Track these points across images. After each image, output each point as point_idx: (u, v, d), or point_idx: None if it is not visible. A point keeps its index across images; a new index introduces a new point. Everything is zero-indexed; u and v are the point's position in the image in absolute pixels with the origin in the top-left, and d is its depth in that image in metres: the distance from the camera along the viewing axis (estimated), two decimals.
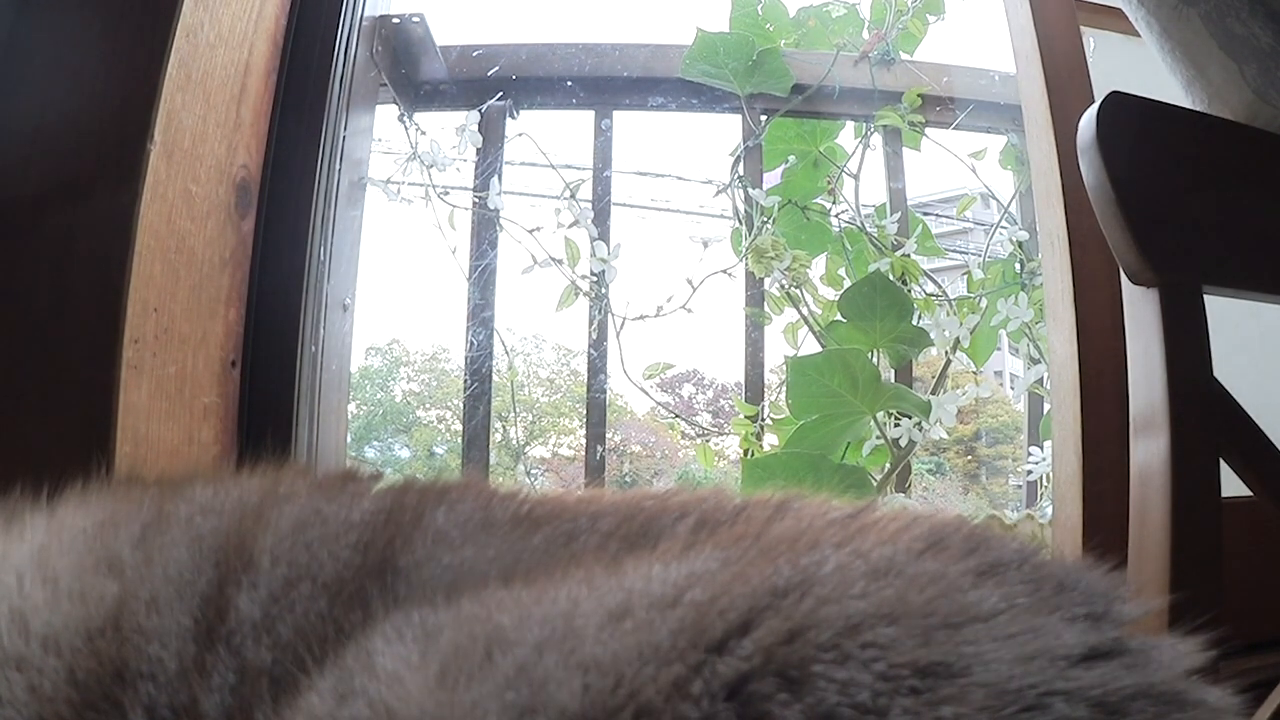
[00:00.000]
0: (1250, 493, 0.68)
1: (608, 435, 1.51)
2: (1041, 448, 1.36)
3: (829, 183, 1.50)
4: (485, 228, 1.44)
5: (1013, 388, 1.77)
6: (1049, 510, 1.29)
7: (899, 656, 0.24)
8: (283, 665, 0.30)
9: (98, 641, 0.32)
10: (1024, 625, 0.27)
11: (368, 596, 0.33)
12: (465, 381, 1.45)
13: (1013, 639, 0.26)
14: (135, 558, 0.35)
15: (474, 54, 1.49)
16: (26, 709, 0.31)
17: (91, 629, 0.33)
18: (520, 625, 0.27)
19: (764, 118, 1.50)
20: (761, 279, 1.44)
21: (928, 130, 1.51)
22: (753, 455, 1.41)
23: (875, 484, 1.36)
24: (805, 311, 1.45)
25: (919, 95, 1.48)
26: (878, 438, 1.37)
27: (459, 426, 1.57)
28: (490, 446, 1.48)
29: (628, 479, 1.70)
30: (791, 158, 1.50)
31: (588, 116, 1.51)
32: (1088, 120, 0.68)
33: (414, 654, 0.27)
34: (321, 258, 1.04)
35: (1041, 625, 0.27)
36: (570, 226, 1.43)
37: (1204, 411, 0.64)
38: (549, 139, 1.48)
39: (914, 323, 1.39)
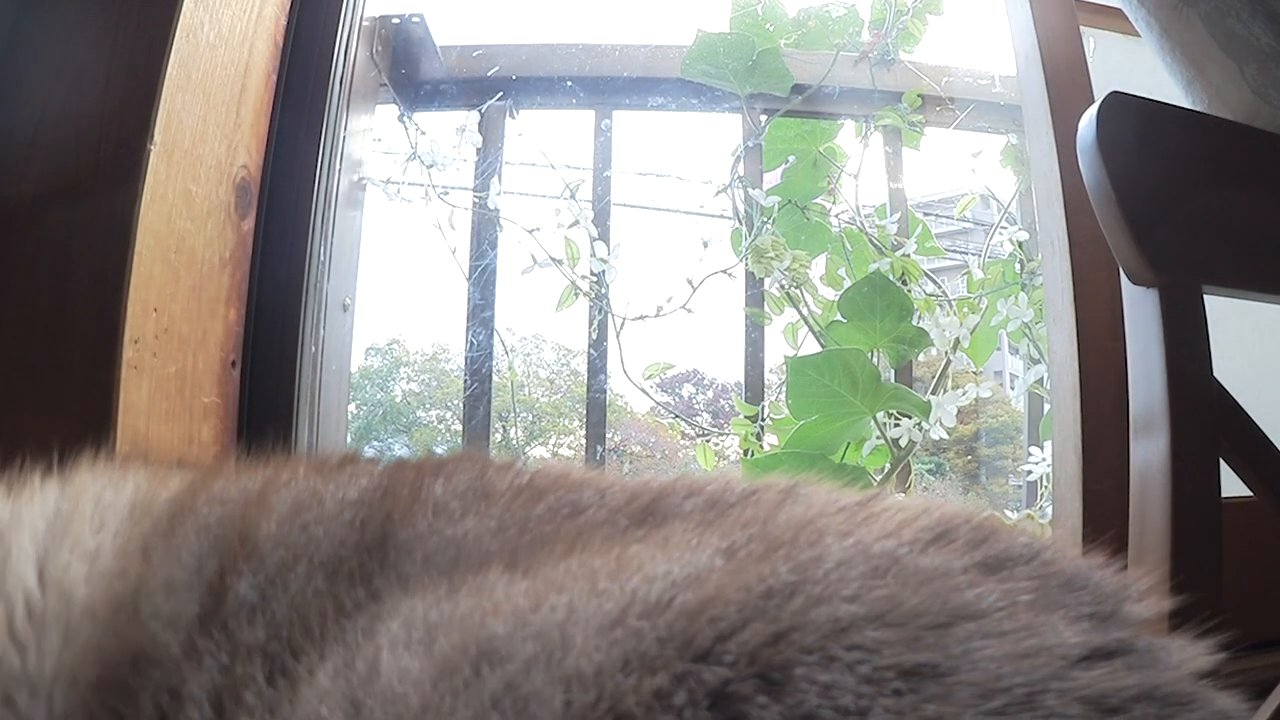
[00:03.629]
0: (1250, 493, 0.68)
1: (608, 435, 1.51)
2: (1041, 448, 1.36)
3: (829, 183, 1.49)
4: (485, 228, 1.44)
5: (1013, 388, 1.77)
6: (1049, 510, 1.29)
7: (884, 660, 0.24)
8: (277, 642, 0.31)
9: (119, 617, 0.33)
10: (1020, 623, 0.27)
11: (369, 573, 0.33)
12: (465, 381, 1.45)
13: (1005, 636, 0.26)
14: (161, 544, 0.36)
15: (474, 54, 1.49)
16: (57, 657, 0.32)
17: (116, 602, 0.33)
18: (512, 637, 0.26)
19: (764, 118, 1.50)
20: (761, 279, 1.44)
21: (928, 130, 1.51)
22: (753, 455, 1.41)
23: (875, 484, 1.36)
24: (805, 311, 1.45)
25: (919, 95, 1.48)
26: (878, 438, 1.37)
27: (459, 426, 1.57)
28: (490, 446, 1.47)
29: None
30: (791, 158, 1.50)
31: (588, 116, 1.51)
32: (1088, 120, 0.68)
33: (414, 665, 0.27)
34: (321, 258, 1.04)
35: (1041, 623, 0.27)
36: (570, 226, 1.43)
37: (1204, 411, 0.64)
38: (549, 139, 1.48)
39: (914, 323, 1.39)
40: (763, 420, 1.43)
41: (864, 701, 0.23)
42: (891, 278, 1.41)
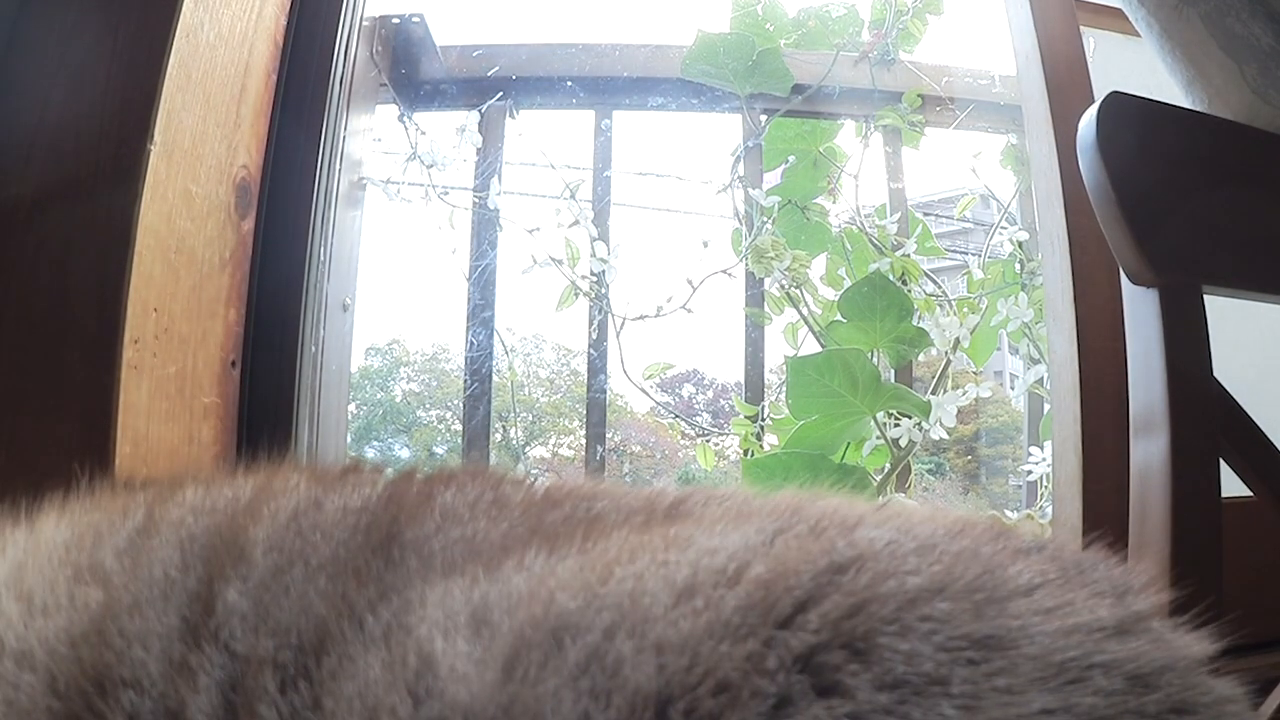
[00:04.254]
0: (1250, 493, 0.68)
1: (608, 435, 1.51)
2: (1041, 448, 1.36)
3: (829, 183, 1.50)
4: (485, 228, 1.44)
5: (1013, 388, 1.77)
6: (1049, 510, 1.29)
7: (955, 630, 0.25)
8: (286, 652, 0.29)
9: (81, 648, 0.31)
10: (1060, 599, 0.28)
11: (375, 572, 0.32)
12: (465, 381, 1.45)
13: (1052, 613, 0.27)
14: (121, 564, 0.34)
15: (474, 54, 1.49)
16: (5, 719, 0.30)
17: (75, 636, 0.31)
18: (587, 609, 0.27)
19: (764, 118, 1.50)
20: (761, 279, 1.44)
21: (928, 130, 1.51)
22: (753, 455, 1.41)
23: (875, 484, 1.36)
24: (805, 311, 1.45)
25: (919, 95, 1.48)
26: (878, 438, 1.37)
27: (459, 426, 1.57)
28: (490, 446, 1.47)
29: (628, 479, 1.70)
30: (791, 158, 1.50)
31: (588, 116, 1.51)
32: (1088, 120, 0.68)
33: (476, 648, 0.26)
34: (321, 258, 1.04)
35: (1074, 599, 0.28)
36: (570, 226, 1.43)
37: (1204, 411, 0.64)
38: (549, 139, 1.49)
39: (914, 323, 1.39)
40: (763, 420, 1.43)
41: (944, 670, 0.24)
42: (891, 278, 1.41)
